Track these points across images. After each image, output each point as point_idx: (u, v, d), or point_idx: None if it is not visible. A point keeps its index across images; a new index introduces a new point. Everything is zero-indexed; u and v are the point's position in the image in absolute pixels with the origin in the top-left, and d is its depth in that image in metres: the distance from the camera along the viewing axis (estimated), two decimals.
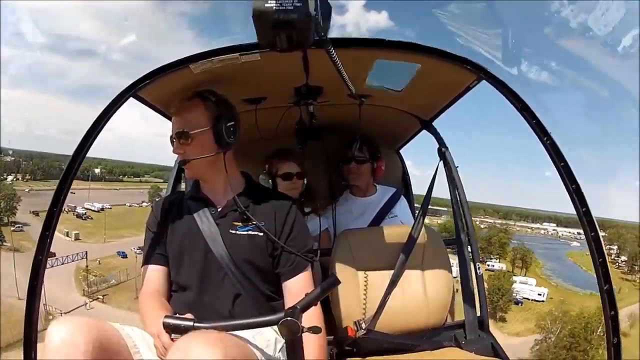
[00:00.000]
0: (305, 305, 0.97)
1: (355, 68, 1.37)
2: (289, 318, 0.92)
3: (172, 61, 1.25)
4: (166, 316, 1.00)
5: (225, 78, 1.41)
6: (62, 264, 34.29)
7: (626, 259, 52.08)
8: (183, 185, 2.05)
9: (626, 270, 52.27)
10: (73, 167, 1.28)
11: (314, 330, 0.96)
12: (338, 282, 1.00)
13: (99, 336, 0.95)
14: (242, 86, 1.61)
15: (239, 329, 1.03)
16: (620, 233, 58.99)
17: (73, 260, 35.25)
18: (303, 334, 0.96)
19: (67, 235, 40.65)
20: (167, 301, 1.28)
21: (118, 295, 34.27)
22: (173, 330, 0.99)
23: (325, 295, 1.02)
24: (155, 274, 1.30)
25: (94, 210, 51.22)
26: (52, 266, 30.39)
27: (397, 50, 1.28)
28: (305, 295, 1.00)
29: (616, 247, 55.93)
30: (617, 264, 53.83)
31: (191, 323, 0.97)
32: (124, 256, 39.38)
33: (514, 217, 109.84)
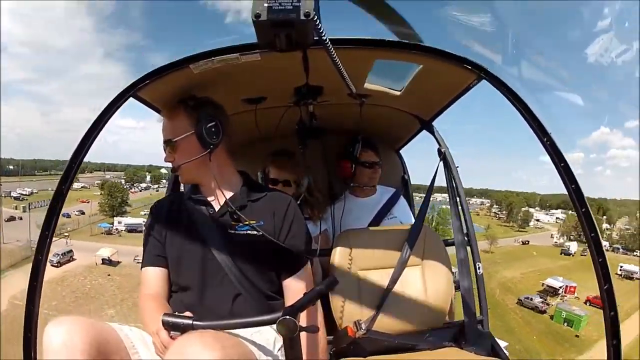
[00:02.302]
0: (302, 305, 0.98)
1: (355, 68, 1.37)
2: (287, 317, 0.92)
3: (172, 61, 1.26)
4: (165, 314, 1.01)
5: (225, 78, 1.41)
6: (38, 207, 46.78)
7: (506, 212, 70.88)
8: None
9: (504, 220, 70.57)
10: (73, 168, 1.29)
11: (312, 329, 0.97)
12: (336, 282, 1.01)
13: (97, 336, 0.95)
14: (242, 86, 1.61)
15: (237, 328, 1.03)
16: (507, 196, 76.72)
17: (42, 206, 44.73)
18: (303, 334, 0.96)
19: (16, 209, 51.28)
20: (167, 302, 1.28)
21: (77, 235, 43.72)
22: (172, 328, 0.99)
23: (323, 295, 1.02)
24: (155, 275, 1.30)
25: (26, 194, 61.95)
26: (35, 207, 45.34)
27: (397, 50, 1.28)
28: (304, 295, 1.00)
29: (498, 206, 75.95)
30: (497, 216, 73.87)
31: (190, 321, 0.98)
32: (68, 216, 49.37)
33: None
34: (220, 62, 1.26)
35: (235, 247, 1.26)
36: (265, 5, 0.66)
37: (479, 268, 1.82)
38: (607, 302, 1.13)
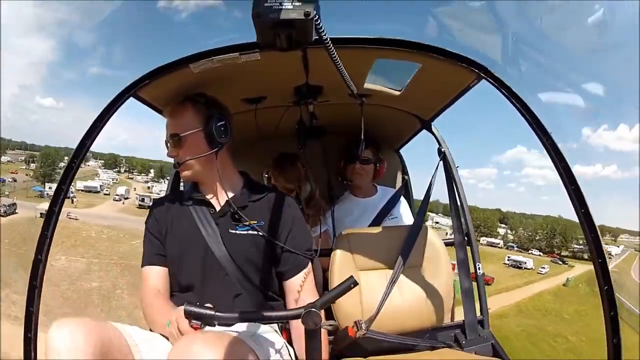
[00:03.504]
0: (323, 303, 0.98)
1: (355, 67, 1.37)
2: (313, 309, 0.93)
3: (171, 61, 1.25)
4: (187, 303, 0.99)
5: (225, 78, 1.40)
6: None
7: None
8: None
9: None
10: (73, 167, 1.28)
11: (332, 325, 0.98)
12: (356, 283, 1.01)
13: (100, 337, 0.95)
14: (242, 86, 1.61)
15: (259, 321, 1.05)
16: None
17: None
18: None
19: None
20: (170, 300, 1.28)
21: (15, 196, 48.41)
22: (194, 317, 0.98)
23: (343, 295, 1.02)
24: (156, 273, 1.30)
25: None
26: None
27: (397, 49, 1.28)
28: (324, 293, 1.02)
29: None
30: None
31: (212, 312, 0.97)
32: (4, 182, 55.94)
33: None
34: (220, 61, 1.26)
35: (236, 247, 1.26)
36: (266, 5, 0.66)
37: (479, 268, 1.81)
38: (607, 301, 1.13)
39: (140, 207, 49.67)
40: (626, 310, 29.83)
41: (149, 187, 68.64)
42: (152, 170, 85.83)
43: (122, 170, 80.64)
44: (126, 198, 56.80)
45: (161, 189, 63.74)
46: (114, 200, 54.78)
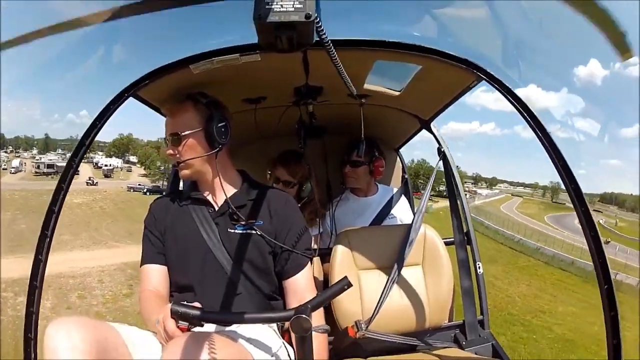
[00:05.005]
0: (316, 305, 0.97)
1: (355, 68, 1.37)
2: (302, 315, 0.92)
3: (172, 61, 1.25)
4: (174, 303, 0.97)
5: (225, 78, 1.41)
6: None
7: None
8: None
9: None
10: (72, 167, 1.28)
11: (323, 329, 0.96)
12: (350, 285, 1.00)
13: (97, 336, 0.95)
14: (242, 86, 1.61)
15: (247, 323, 1.02)
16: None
17: None
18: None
19: None
20: (169, 300, 1.28)
21: None
22: (180, 317, 0.96)
23: (336, 296, 1.01)
24: (156, 272, 1.30)
25: None
26: None
27: (397, 51, 1.28)
28: (317, 295, 1.00)
29: None
30: None
31: (199, 312, 0.94)
32: None
33: None
34: (220, 62, 1.26)
35: (235, 246, 1.26)
36: (267, 7, 0.66)
37: (479, 268, 1.81)
38: (607, 302, 1.13)
39: (36, 174, 58.20)
40: (485, 227, 39.63)
41: (37, 159, 75.14)
42: (34, 148, 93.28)
43: (9, 150, 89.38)
44: (20, 170, 62.60)
45: (50, 158, 74.29)
46: (10, 173, 60.13)
